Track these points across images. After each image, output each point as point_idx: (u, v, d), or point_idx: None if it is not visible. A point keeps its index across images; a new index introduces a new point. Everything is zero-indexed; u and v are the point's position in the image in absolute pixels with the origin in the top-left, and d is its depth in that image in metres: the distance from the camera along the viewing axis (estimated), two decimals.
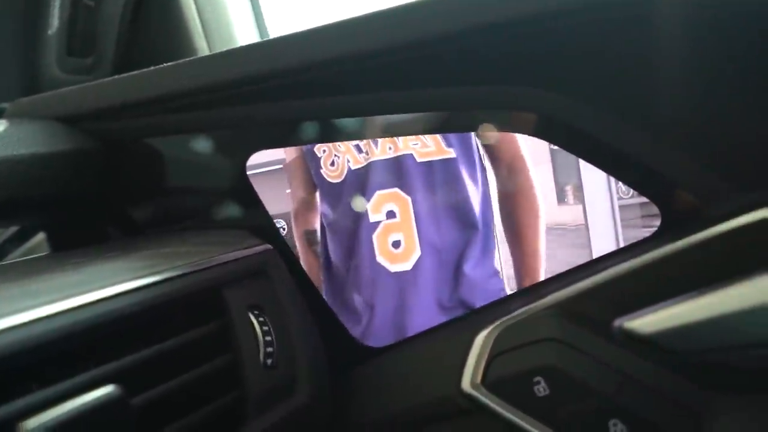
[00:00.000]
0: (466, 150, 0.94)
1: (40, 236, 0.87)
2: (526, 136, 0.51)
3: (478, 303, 0.95)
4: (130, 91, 0.56)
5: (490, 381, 0.51)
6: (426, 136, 0.91)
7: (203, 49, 0.90)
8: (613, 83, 0.44)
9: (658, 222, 0.48)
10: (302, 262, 1.08)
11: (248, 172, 0.59)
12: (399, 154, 0.90)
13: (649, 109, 0.44)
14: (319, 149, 0.97)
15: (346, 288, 0.97)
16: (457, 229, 0.94)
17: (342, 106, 0.52)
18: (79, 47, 0.83)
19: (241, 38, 0.97)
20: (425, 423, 0.55)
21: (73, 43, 0.82)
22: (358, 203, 0.91)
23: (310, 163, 1.00)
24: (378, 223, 0.93)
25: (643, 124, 0.44)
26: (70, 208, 0.61)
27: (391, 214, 0.92)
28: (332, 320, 0.61)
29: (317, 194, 1.04)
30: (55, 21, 0.79)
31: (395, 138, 0.92)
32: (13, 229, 0.87)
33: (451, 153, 0.91)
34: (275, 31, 1.05)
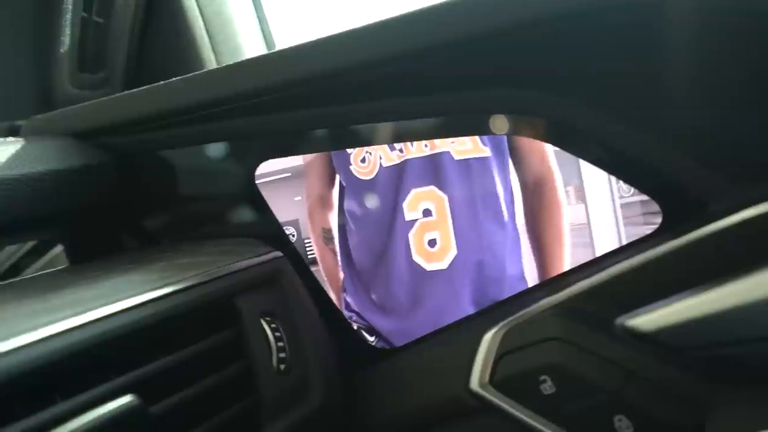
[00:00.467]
0: (499, 150, 0.93)
1: (58, 248, 0.89)
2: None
3: None
4: (142, 105, 0.57)
5: (497, 380, 0.52)
6: None
7: (211, 61, 0.91)
8: (615, 86, 0.45)
9: (659, 219, 0.48)
10: (320, 261, 1.07)
11: (257, 181, 0.60)
12: (436, 151, 0.89)
13: (651, 111, 0.44)
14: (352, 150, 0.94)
15: (374, 286, 0.95)
16: (491, 228, 0.93)
17: (350, 114, 0.53)
18: (90, 63, 0.84)
19: (248, 49, 0.98)
20: (435, 423, 0.56)
21: (85, 59, 0.83)
22: (394, 198, 0.89)
23: (336, 160, 0.98)
24: (414, 221, 0.91)
25: (645, 124, 0.45)
26: (87, 221, 0.63)
27: (427, 212, 0.91)
28: (343, 324, 0.62)
29: (333, 191, 1.03)
30: (66, 39, 0.80)
31: None
32: (31, 242, 0.88)
33: (486, 152, 0.91)
34: (281, 42, 1.06)
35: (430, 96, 0.50)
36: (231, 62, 0.54)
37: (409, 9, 0.46)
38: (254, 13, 1.02)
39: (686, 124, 0.44)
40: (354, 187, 0.94)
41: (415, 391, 0.57)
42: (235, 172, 0.59)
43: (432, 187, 0.91)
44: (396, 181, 0.91)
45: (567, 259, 0.98)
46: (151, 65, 0.91)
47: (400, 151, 0.90)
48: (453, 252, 0.91)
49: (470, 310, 0.92)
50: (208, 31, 0.91)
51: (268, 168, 0.61)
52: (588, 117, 0.46)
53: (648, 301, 0.44)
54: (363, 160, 0.91)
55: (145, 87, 0.57)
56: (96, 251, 0.65)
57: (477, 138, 0.91)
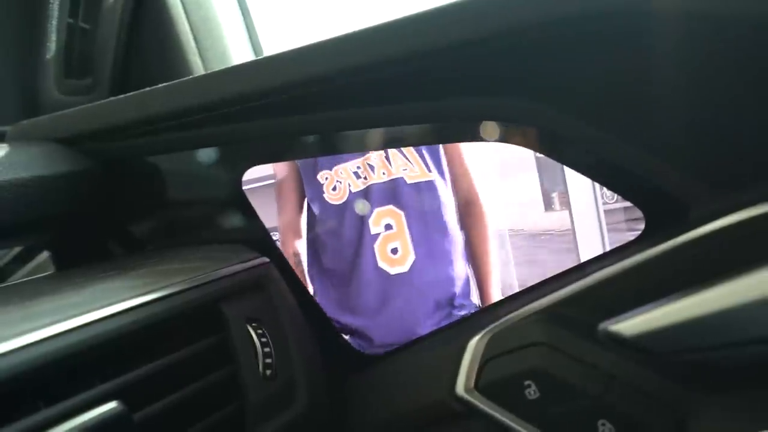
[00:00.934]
0: (442, 174, 1.15)
1: (44, 255, 0.88)
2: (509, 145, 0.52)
3: (461, 299, 1.16)
4: (129, 111, 0.57)
5: (483, 385, 0.52)
6: (412, 162, 1.12)
7: (198, 66, 0.91)
8: (603, 96, 0.45)
9: (642, 225, 0.49)
10: None
11: (244, 187, 0.60)
12: (392, 177, 1.10)
13: (636, 121, 0.45)
14: (322, 177, 1.13)
15: (343, 288, 1.13)
16: (438, 237, 1.14)
17: (339, 119, 0.53)
18: (76, 69, 0.84)
19: (235, 55, 0.99)
20: (421, 428, 0.56)
21: (71, 65, 0.83)
22: (361, 217, 1.11)
23: (309, 191, 1.16)
24: (378, 234, 1.11)
25: (630, 134, 0.45)
26: (73, 227, 0.62)
27: (388, 227, 1.11)
28: (329, 329, 0.62)
29: (301, 219, 1.23)
30: (52, 45, 0.80)
31: (387, 164, 1.11)
32: (17, 248, 0.88)
33: (432, 176, 1.13)
34: (268, 48, 1.06)
35: (419, 102, 0.50)
36: (218, 68, 0.54)
37: (399, 15, 0.46)
38: (241, 19, 1.03)
39: (669, 133, 0.45)
40: (327, 211, 1.13)
41: (401, 397, 0.57)
42: (221, 178, 0.59)
43: (391, 206, 1.12)
44: (363, 202, 1.12)
45: (495, 264, 1.19)
46: (137, 71, 0.91)
47: (365, 178, 1.11)
48: (412, 257, 1.11)
49: (432, 305, 1.11)
50: (195, 37, 0.91)
51: (255, 174, 0.61)
52: (574, 126, 0.46)
53: (630, 307, 0.44)
54: (334, 188, 1.11)
55: (131, 93, 0.57)
56: (82, 257, 0.65)
57: (422, 165, 1.12)
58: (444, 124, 0.52)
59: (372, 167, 1.10)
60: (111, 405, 0.36)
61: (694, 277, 0.42)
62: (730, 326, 0.40)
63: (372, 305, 1.11)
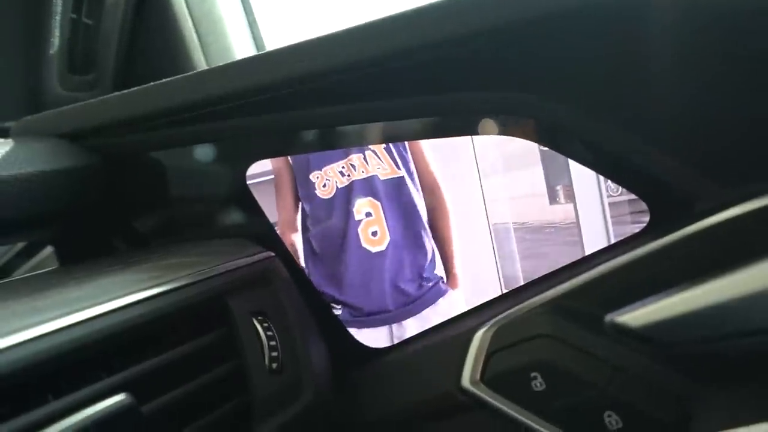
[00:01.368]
0: (409, 171, 1.41)
1: (48, 250, 0.88)
2: (516, 139, 0.52)
3: (428, 272, 1.43)
4: (132, 106, 0.57)
5: (488, 377, 0.52)
6: (383, 161, 1.39)
7: (201, 62, 0.91)
8: (606, 89, 0.45)
9: (646, 218, 0.49)
10: None
11: (248, 182, 0.60)
12: (369, 175, 1.37)
13: (639, 113, 0.45)
14: (314, 177, 1.39)
15: (334, 267, 1.40)
16: (410, 221, 1.41)
17: (341, 114, 0.53)
18: (80, 65, 0.84)
19: (237, 51, 0.99)
20: (427, 420, 0.56)
21: (74, 61, 0.83)
22: (347, 207, 1.39)
23: (302, 186, 1.41)
24: (361, 220, 1.38)
25: (633, 126, 0.45)
26: (76, 222, 0.62)
27: (368, 215, 1.38)
28: (334, 323, 0.62)
29: (297, 216, 1.47)
30: (56, 40, 0.80)
31: (365, 164, 1.38)
32: (21, 244, 0.88)
33: (401, 173, 1.39)
34: (271, 43, 1.06)
35: (419, 97, 0.50)
36: (221, 63, 0.54)
37: (399, 9, 0.46)
38: (244, 15, 1.03)
39: (673, 125, 0.45)
40: (318, 205, 1.39)
41: (407, 389, 0.58)
42: (225, 172, 0.59)
43: (370, 198, 1.38)
44: (347, 195, 1.37)
45: (455, 242, 1.46)
46: (140, 66, 0.91)
47: (348, 176, 1.37)
48: (388, 238, 1.38)
49: (405, 275, 1.39)
50: (197, 33, 0.91)
51: (259, 168, 0.61)
52: (577, 118, 0.46)
53: (636, 299, 0.44)
54: (324, 185, 1.38)
55: (135, 88, 0.57)
56: (86, 253, 0.65)
57: (393, 164, 1.38)
58: (444, 118, 0.52)
59: (354, 166, 1.37)
60: (119, 397, 0.36)
61: (700, 269, 0.42)
62: (736, 317, 0.40)
63: (358, 279, 1.38)
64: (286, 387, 0.50)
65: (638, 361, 0.46)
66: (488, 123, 0.51)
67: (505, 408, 0.51)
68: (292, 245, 1.46)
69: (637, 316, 0.43)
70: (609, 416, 0.47)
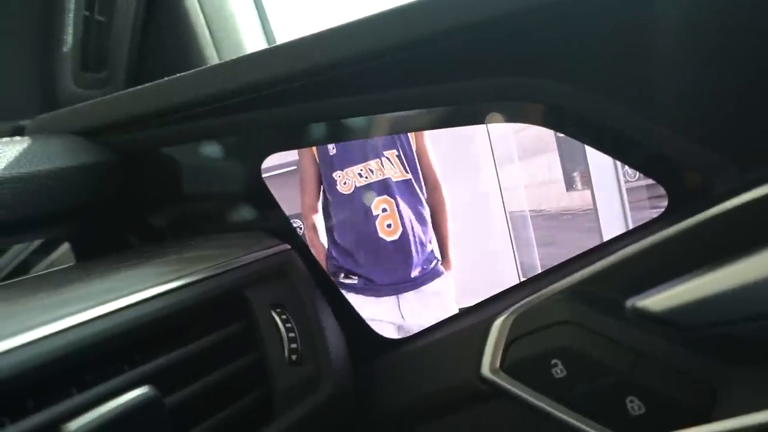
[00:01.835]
0: (416, 174, 1.69)
1: (65, 247, 0.89)
2: (532, 126, 0.52)
3: (431, 256, 1.71)
4: (146, 102, 0.57)
5: (508, 365, 0.52)
6: (395, 166, 1.66)
7: (213, 57, 0.92)
8: (618, 70, 0.45)
9: (665, 203, 0.49)
10: (309, 242, 1.73)
11: (264, 175, 0.60)
12: (384, 177, 1.65)
13: (653, 94, 0.45)
14: (336, 175, 1.66)
15: (354, 253, 1.68)
16: (417, 215, 1.68)
17: (353, 105, 0.53)
18: (93, 62, 0.85)
19: (249, 45, 0.99)
20: (447, 409, 0.56)
21: (88, 58, 0.84)
22: (367, 203, 1.67)
23: (326, 182, 1.68)
24: (378, 215, 1.66)
25: (648, 108, 0.45)
26: (93, 218, 0.63)
27: (384, 210, 1.66)
28: (352, 314, 0.62)
29: (318, 202, 1.74)
30: (69, 38, 0.80)
31: (381, 168, 1.66)
32: (37, 241, 0.89)
33: (408, 176, 1.67)
34: (281, 38, 1.06)
35: (429, 86, 0.50)
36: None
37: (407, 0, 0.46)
38: (255, 9, 1.03)
39: (689, 108, 0.44)
40: (339, 199, 1.67)
41: (426, 379, 0.58)
42: (240, 166, 0.59)
43: (385, 196, 1.66)
44: (365, 193, 1.65)
45: (451, 230, 1.73)
46: (153, 63, 0.91)
47: (366, 177, 1.65)
48: (401, 230, 1.66)
49: (414, 259, 1.67)
50: (209, 28, 0.92)
51: (274, 161, 0.62)
52: (589, 101, 0.46)
53: (656, 283, 0.44)
54: (345, 183, 1.66)
55: (147, 84, 0.57)
56: (102, 249, 0.65)
57: (403, 169, 1.66)
58: (453, 108, 0.52)
59: (372, 170, 1.66)
60: (143, 390, 0.36)
61: (720, 252, 0.42)
62: (759, 299, 0.40)
63: (374, 261, 1.67)
64: (306, 378, 0.50)
65: (659, 345, 0.46)
66: (497, 110, 0.51)
67: (525, 395, 0.51)
68: (314, 225, 1.77)
69: (658, 300, 0.43)
70: (631, 401, 0.46)
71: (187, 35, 0.91)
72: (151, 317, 0.40)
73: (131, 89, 0.59)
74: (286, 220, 0.61)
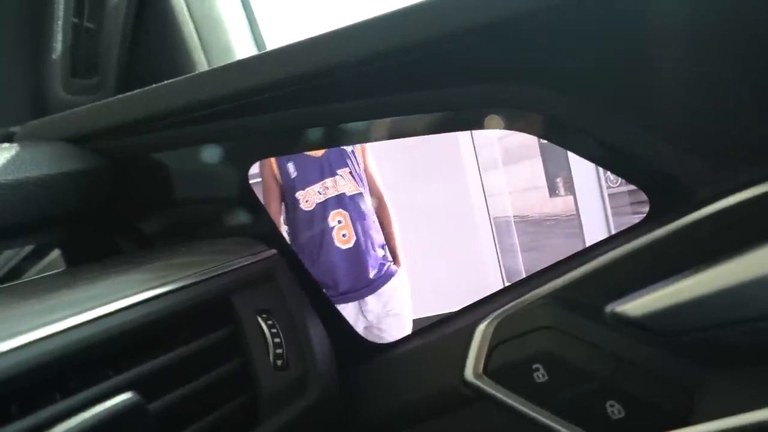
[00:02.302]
0: (365, 187, 1.89)
1: (56, 253, 0.89)
2: (516, 132, 0.52)
3: (383, 260, 1.91)
4: (135, 109, 0.57)
5: (491, 370, 0.52)
6: (348, 182, 1.85)
7: (202, 63, 0.92)
8: (605, 80, 0.45)
9: (646, 208, 0.49)
10: None
11: (251, 181, 0.60)
12: (340, 192, 1.84)
13: (634, 102, 0.45)
14: (298, 195, 1.84)
15: (315, 261, 1.84)
16: (368, 224, 1.88)
17: (345, 111, 0.53)
18: (82, 69, 0.85)
19: (238, 51, 0.99)
20: (431, 413, 0.57)
21: (77, 65, 0.84)
22: (323, 217, 1.86)
23: (290, 201, 1.86)
24: (334, 227, 1.84)
25: (632, 117, 0.46)
26: (83, 224, 0.63)
27: (340, 222, 1.84)
28: (338, 320, 0.62)
29: (284, 215, 1.93)
30: (58, 45, 0.80)
31: (336, 185, 1.84)
32: (28, 247, 0.89)
33: (361, 189, 1.87)
34: (271, 43, 1.06)
35: (424, 92, 0.50)
36: (222, 64, 0.54)
37: (404, 4, 0.46)
38: (244, 15, 1.03)
39: (671, 116, 0.45)
40: (301, 215, 1.86)
41: (411, 384, 0.58)
42: (228, 172, 0.60)
43: (340, 209, 1.84)
44: (324, 208, 1.83)
45: (398, 237, 1.96)
46: (142, 69, 0.91)
47: (323, 194, 1.83)
48: (354, 238, 1.84)
49: (368, 264, 1.86)
50: (198, 34, 0.92)
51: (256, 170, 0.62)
52: (577, 110, 0.47)
53: (636, 289, 0.45)
54: (306, 201, 1.84)
55: (137, 90, 0.57)
56: (92, 254, 0.65)
57: (355, 183, 1.85)
58: (449, 113, 0.52)
59: (328, 187, 1.84)
60: (126, 395, 0.36)
61: (699, 257, 0.42)
62: (735, 304, 0.40)
63: (333, 268, 1.85)
64: (292, 383, 0.51)
65: (639, 350, 0.47)
66: (493, 117, 0.51)
67: (508, 400, 0.51)
68: None
69: (637, 305, 0.44)
70: (611, 406, 0.47)
71: (176, 41, 0.91)
72: (137, 323, 0.40)
73: (121, 96, 0.59)
74: (273, 226, 0.62)
